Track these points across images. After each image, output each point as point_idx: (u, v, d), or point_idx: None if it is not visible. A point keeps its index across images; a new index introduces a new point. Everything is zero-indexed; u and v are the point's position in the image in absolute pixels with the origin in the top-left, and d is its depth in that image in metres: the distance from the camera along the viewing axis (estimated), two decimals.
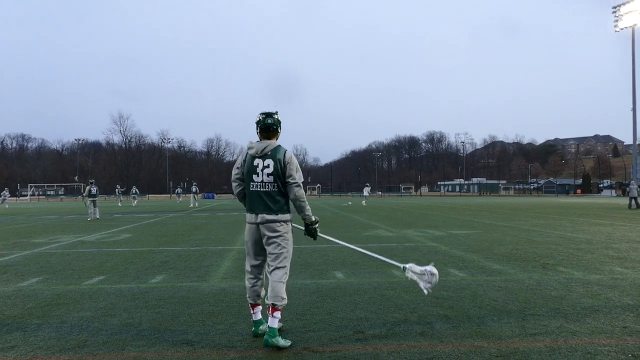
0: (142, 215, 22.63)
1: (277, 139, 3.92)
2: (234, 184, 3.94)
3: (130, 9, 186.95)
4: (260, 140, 3.87)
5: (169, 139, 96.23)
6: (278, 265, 3.70)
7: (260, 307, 3.88)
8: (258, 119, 3.90)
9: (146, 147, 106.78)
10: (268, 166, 3.73)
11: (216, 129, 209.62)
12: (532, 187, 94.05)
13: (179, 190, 48.13)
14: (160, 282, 6.03)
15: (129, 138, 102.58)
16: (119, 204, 39.18)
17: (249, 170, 3.78)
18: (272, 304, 3.61)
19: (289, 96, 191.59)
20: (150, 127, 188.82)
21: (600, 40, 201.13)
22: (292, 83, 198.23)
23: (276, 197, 3.74)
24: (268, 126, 3.85)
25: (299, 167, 3.82)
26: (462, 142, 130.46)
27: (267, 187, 3.73)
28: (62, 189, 75.89)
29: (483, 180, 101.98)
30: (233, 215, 21.02)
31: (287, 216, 3.78)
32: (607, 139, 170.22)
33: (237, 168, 3.90)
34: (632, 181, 31.94)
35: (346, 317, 4.29)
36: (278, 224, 3.72)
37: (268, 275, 3.78)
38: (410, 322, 4.10)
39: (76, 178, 78.72)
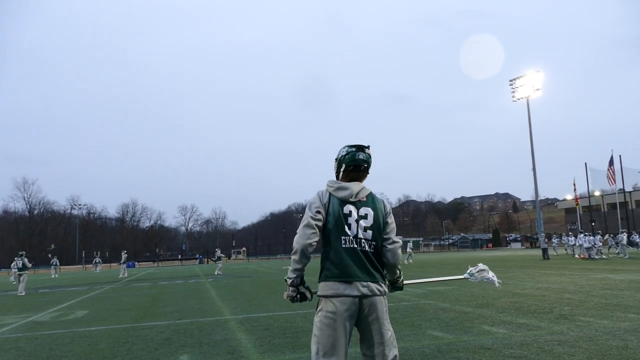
0: (74, 288, 20.29)
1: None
2: (308, 230, 2.74)
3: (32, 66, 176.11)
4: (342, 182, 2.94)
5: (79, 205, 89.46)
6: (395, 343, 2.81)
7: None
8: (344, 153, 2.94)
9: (52, 215, 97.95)
10: (365, 217, 2.82)
11: (132, 193, 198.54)
12: (448, 242, 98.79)
13: (98, 260, 44.65)
14: None
15: (33, 205, 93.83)
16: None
17: (339, 218, 2.79)
18: None
19: (202, 160, 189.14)
20: (59, 193, 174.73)
21: (502, 109, 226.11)
22: (205, 144, 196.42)
23: (375, 259, 2.83)
24: (359, 163, 2.91)
25: None
26: None
27: (363, 244, 2.79)
28: None
29: (401, 237, 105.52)
30: (178, 284, 19.53)
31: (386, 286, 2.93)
32: (507, 196, 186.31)
33: (319, 212, 2.80)
34: (542, 234, 35.01)
35: None
36: (385, 297, 2.85)
37: None
38: None
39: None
